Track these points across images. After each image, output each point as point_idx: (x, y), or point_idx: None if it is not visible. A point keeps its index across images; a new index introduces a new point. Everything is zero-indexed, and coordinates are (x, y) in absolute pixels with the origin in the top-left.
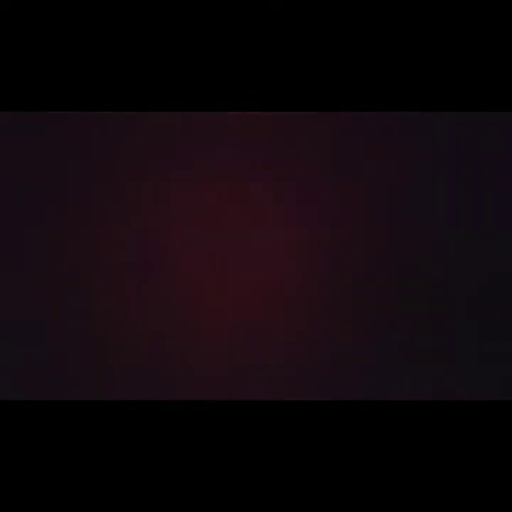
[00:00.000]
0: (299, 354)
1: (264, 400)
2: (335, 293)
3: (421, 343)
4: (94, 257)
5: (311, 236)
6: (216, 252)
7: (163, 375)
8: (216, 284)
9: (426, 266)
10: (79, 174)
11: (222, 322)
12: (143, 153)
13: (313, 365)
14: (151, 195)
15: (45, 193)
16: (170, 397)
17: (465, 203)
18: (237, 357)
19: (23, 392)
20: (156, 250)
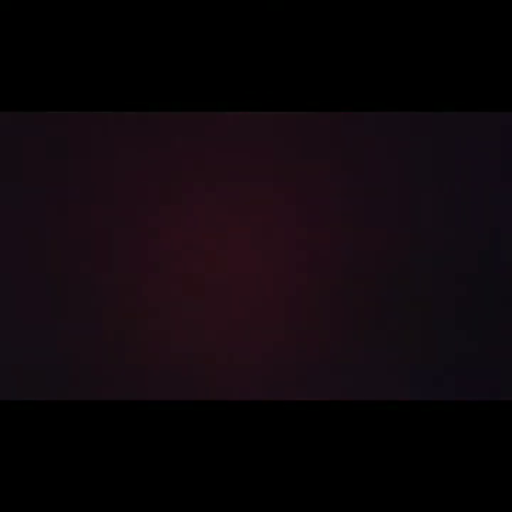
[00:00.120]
0: (299, 354)
1: (264, 400)
2: (335, 293)
3: (421, 343)
4: (95, 257)
5: (311, 236)
6: (216, 252)
7: (163, 375)
8: (216, 283)
9: (426, 266)
10: (79, 174)
11: (222, 322)
12: (143, 154)
13: (314, 365)
14: (151, 195)
15: (45, 193)
16: (170, 397)
17: (465, 203)
18: (237, 357)
19: (23, 392)
20: (155, 250)
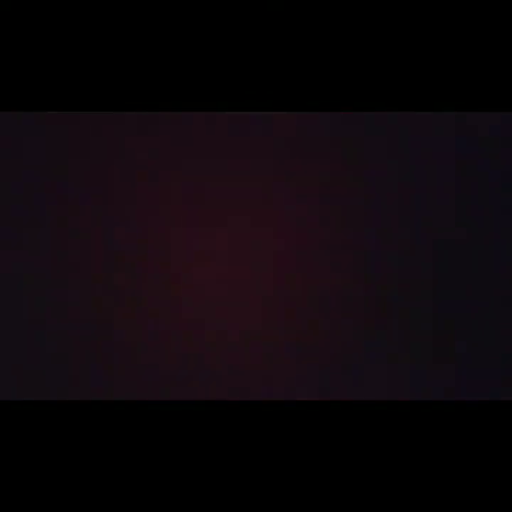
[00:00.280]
0: (299, 354)
1: (264, 400)
2: (335, 293)
3: (421, 343)
4: (94, 257)
5: (311, 236)
6: (216, 252)
7: (163, 375)
8: (216, 283)
9: (426, 266)
10: (79, 174)
11: (222, 322)
12: (143, 154)
13: (314, 365)
14: (151, 195)
15: (45, 193)
16: (170, 397)
17: (465, 203)
18: (237, 357)
19: (23, 392)
20: (155, 250)
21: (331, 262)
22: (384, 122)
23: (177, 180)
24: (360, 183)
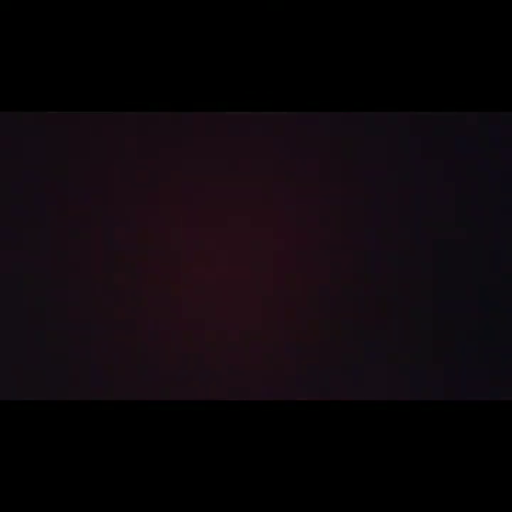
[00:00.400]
0: (299, 354)
1: (264, 400)
2: (335, 293)
3: (421, 343)
4: (94, 257)
5: (311, 236)
6: (216, 252)
7: (163, 375)
8: (216, 283)
9: (426, 266)
10: (79, 174)
11: (222, 322)
12: (143, 153)
13: (314, 365)
14: (151, 195)
15: (45, 193)
16: (170, 397)
17: (465, 203)
18: (237, 357)
19: (23, 392)
20: (155, 250)
21: (331, 262)
22: (384, 122)
23: (177, 180)
24: (360, 183)
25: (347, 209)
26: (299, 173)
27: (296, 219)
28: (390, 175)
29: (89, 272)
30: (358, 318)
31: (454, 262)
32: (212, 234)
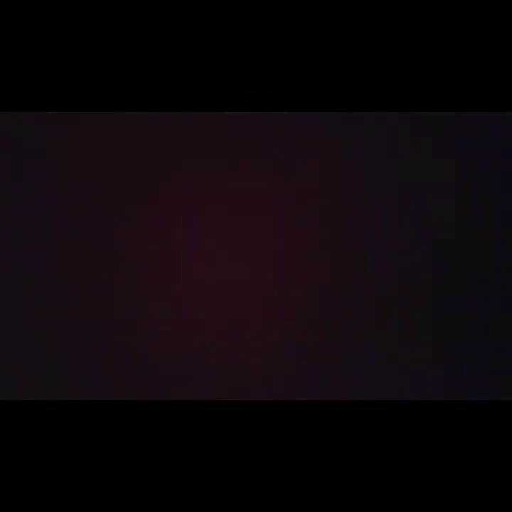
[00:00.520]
0: (299, 354)
1: (264, 400)
2: (335, 293)
3: (421, 343)
4: (94, 257)
5: (311, 236)
6: (216, 252)
7: (163, 375)
8: (216, 283)
9: (426, 266)
10: (79, 174)
11: (222, 322)
12: (143, 153)
13: (314, 365)
14: (151, 195)
15: (45, 193)
16: (170, 397)
17: (465, 203)
18: (237, 357)
19: (23, 392)
20: (156, 250)
21: (331, 262)
22: (384, 122)
23: (177, 180)
24: (360, 183)
25: (347, 209)
26: (299, 173)
27: (296, 219)
28: (390, 175)
29: (89, 272)
30: (358, 318)
31: (454, 262)
32: (212, 234)
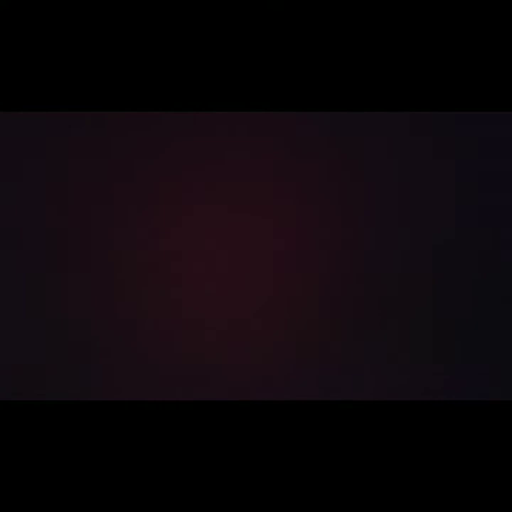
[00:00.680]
0: (299, 354)
1: (264, 400)
2: (335, 293)
3: (421, 343)
4: (94, 257)
5: (312, 236)
6: (216, 252)
7: (163, 375)
8: (216, 283)
9: (426, 266)
10: (79, 174)
11: (222, 322)
12: (143, 154)
13: (314, 365)
14: (151, 195)
15: (46, 193)
16: (170, 397)
17: (465, 203)
18: (237, 357)
19: (23, 392)
20: (155, 250)
21: (331, 262)
22: (384, 122)
23: (177, 180)
24: (360, 183)
25: (347, 209)
26: (299, 173)
27: (296, 219)
28: (390, 175)
29: (90, 272)
30: (358, 318)
31: (454, 262)
32: (212, 234)
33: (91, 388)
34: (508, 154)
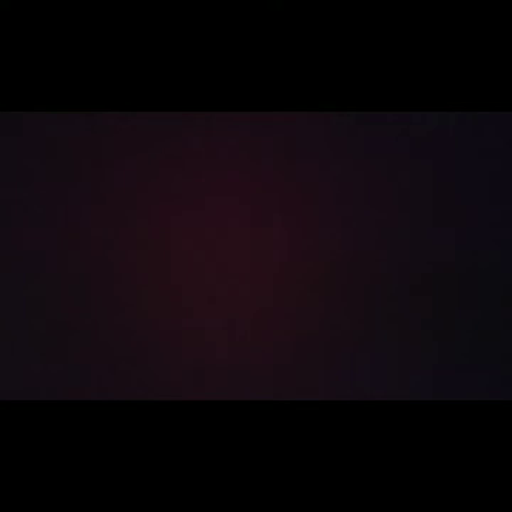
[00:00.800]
0: (299, 354)
1: (264, 400)
2: (336, 293)
3: (421, 343)
4: (94, 257)
5: (312, 236)
6: (216, 252)
7: (163, 375)
8: (216, 283)
9: (426, 266)
10: (79, 174)
11: (222, 322)
12: (143, 154)
13: (314, 365)
14: (151, 195)
15: (46, 193)
16: (170, 397)
17: (465, 203)
18: (237, 357)
19: (23, 392)
20: (155, 250)
21: (331, 262)
22: (384, 122)
23: (177, 180)
24: (360, 183)
25: (347, 209)
26: (299, 173)
27: (297, 219)
28: (390, 175)
29: (90, 273)
30: (358, 318)
31: (454, 261)
32: (212, 234)
33: (91, 388)
34: (508, 154)
